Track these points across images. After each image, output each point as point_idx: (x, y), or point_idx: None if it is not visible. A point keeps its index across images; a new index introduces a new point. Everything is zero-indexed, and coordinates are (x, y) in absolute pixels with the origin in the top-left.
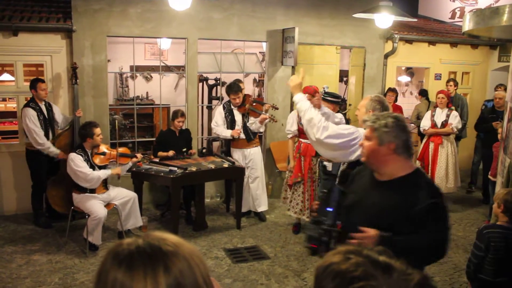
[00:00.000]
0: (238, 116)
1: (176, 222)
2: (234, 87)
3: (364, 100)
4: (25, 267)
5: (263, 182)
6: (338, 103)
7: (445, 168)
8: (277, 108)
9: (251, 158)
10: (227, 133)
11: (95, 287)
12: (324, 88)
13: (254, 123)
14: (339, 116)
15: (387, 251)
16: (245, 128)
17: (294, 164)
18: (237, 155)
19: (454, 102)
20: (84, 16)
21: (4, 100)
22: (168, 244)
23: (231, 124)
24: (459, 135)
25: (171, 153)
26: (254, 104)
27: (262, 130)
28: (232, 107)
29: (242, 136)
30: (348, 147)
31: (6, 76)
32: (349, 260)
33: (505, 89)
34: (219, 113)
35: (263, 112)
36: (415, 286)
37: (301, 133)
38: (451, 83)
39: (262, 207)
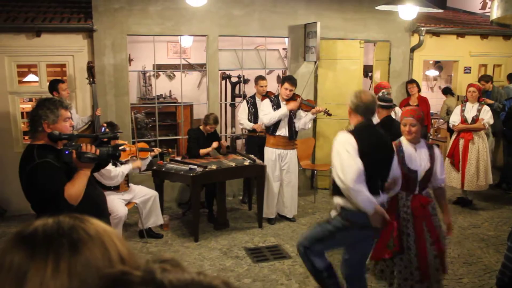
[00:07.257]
0: None
1: (197, 220)
2: (293, 79)
3: None
4: None
5: (296, 188)
6: (392, 107)
7: (476, 165)
8: (330, 114)
9: (287, 161)
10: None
11: None
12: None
13: (302, 118)
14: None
15: None
16: (290, 124)
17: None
18: (271, 155)
19: (492, 96)
20: (104, 15)
21: (30, 100)
22: (81, 229)
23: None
24: (494, 131)
25: (215, 144)
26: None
27: (309, 126)
28: (280, 101)
29: (285, 133)
30: None
31: (31, 77)
32: None
33: None
34: (267, 104)
35: (316, 106)
36: None
37: None
38: (483, 82)
39: (292, 212)
